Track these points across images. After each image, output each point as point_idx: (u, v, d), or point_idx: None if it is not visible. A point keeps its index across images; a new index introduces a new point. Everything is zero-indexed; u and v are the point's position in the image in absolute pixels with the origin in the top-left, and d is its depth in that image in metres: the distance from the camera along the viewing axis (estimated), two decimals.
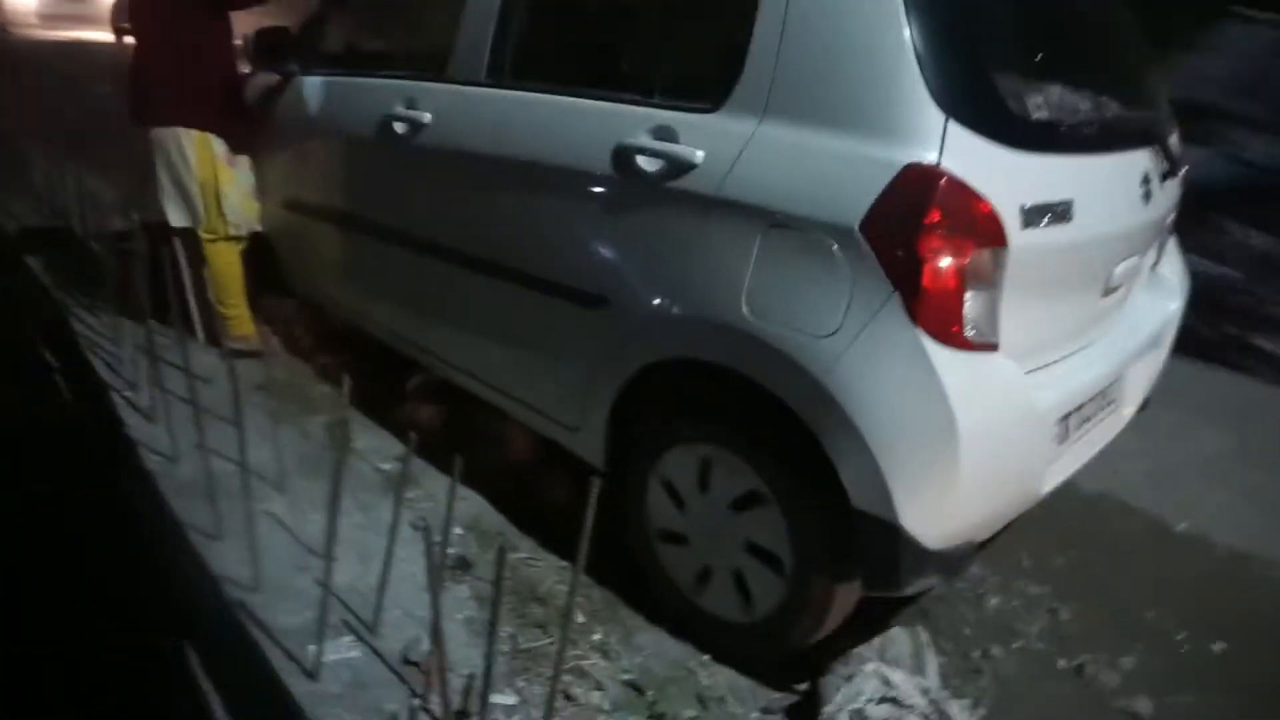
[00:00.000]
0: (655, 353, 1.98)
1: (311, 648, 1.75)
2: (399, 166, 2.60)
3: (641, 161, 1.91)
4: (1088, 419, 2.10)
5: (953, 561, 1.78)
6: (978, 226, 1.60)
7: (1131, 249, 2.08)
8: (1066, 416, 1.95)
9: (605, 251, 2.04)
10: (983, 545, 1.87)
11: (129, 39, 3.10)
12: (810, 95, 1.72)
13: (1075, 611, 2.35)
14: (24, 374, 3.27)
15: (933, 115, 1.59)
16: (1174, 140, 2.23)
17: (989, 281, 1.66)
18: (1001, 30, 1.87)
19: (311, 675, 1.73)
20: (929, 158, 1.58)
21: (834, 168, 1.66)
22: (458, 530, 2.41)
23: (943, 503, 1.67)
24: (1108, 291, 2.06)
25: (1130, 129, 2.04)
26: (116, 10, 4.01)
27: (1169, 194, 2.19)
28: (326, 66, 2.98)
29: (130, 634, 1.88)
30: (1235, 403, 3.70)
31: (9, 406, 2.97)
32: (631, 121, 1.95)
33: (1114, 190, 1.93)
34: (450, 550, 2.30)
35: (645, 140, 1.91)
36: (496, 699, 1.78)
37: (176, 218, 3.08)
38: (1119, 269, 2.03)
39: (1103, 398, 2.17)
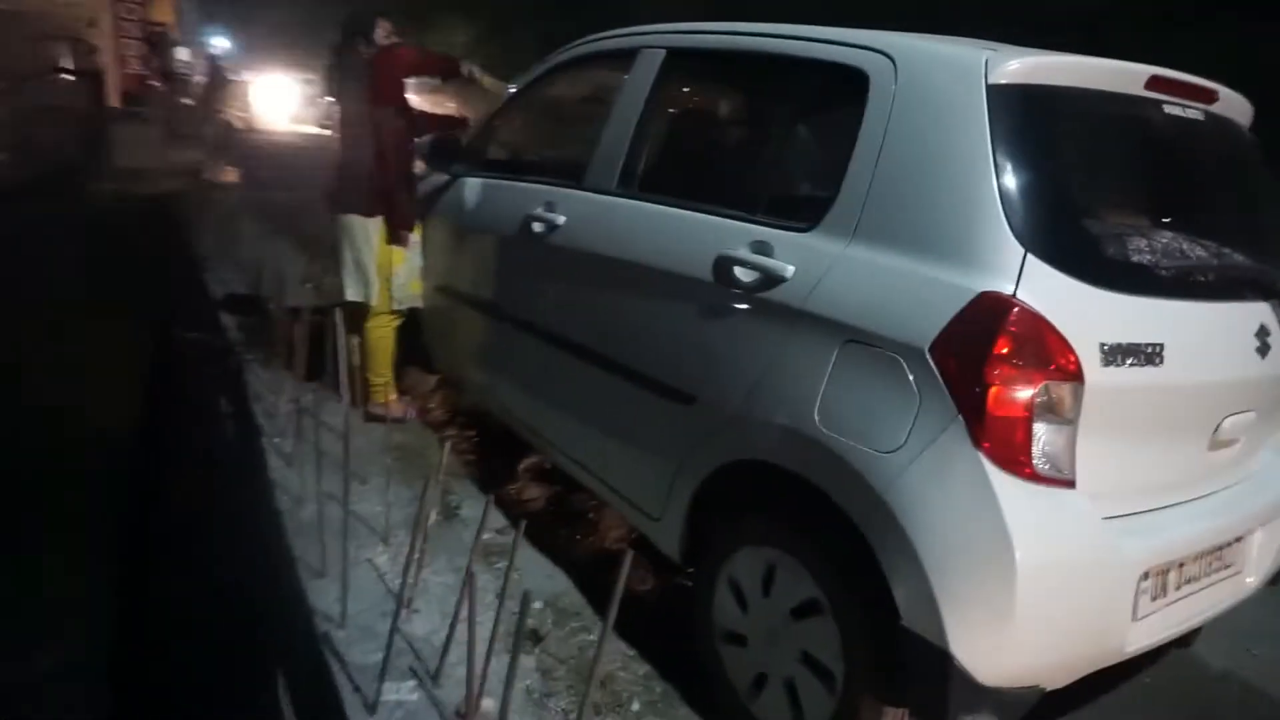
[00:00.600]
0: (732, 453, 2.06)
1: (375, 685, 1.89)
2: (531, 261, 2.87)
3: (738, 272, 2.04)
4: (1192, 579, 1.97)
5: (1012, 704, 1.70)
6: (1050, 359, 1.62)
7: (1247, 403, 1.98)
8: (1162, 572, 1.85)
9: (697, 352, 2.16)
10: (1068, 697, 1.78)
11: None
12: (897, 221, 1.82)
13: None
14: (203, 415, 3.73)
15: (1012, 248, 1.65)
16: None
17: (1064, 416, 1.65)
18: (1100, 173, 1.90)
19: (371, 710, 1.86)
20: (1003, 287, 1.62)
21: (912, 290, 1.73)
22: (537, 604, 2.52)
23: (998, 636, 1.62)
24: (1217, 445, 1.97)
25: (1245, 279, 1.98)
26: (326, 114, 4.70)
27: None
28: (485, 170, 3.34)
29: (233, 645, 2.10)
30: None
31: (185, 441, 3.40)
32: (734, 235, 2.10)
33: (1219, 340, 1.88)
34: (526, 623, 2.40)
35: (744, 252, 2.05)
36: None
37: (353, 293, 3.49)
38: (1229, 422, 1.94)
39: (1215, 559, 2.03)
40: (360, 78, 3.36)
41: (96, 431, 3.43)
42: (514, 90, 3.37)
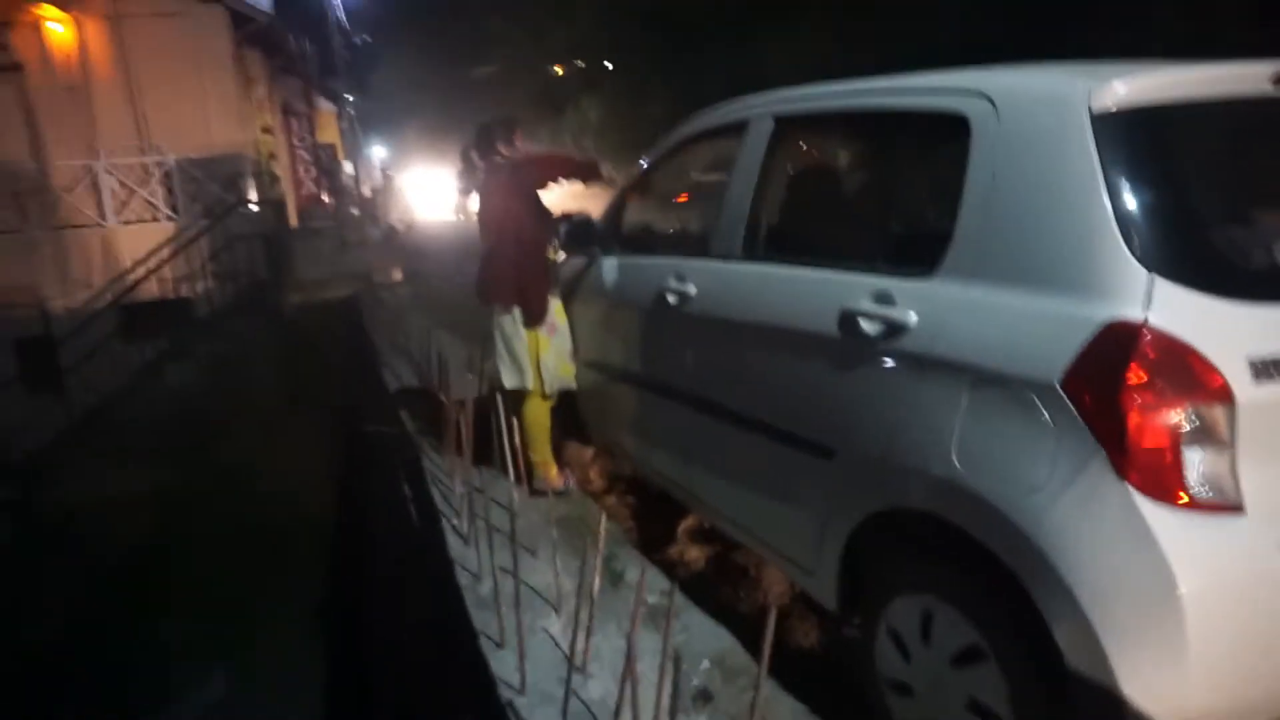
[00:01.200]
0: (877, 502, 2.08)
1: None
2: (667, 330, 3.01)
3: (863, 324, 2.10)
4: None
5: None
6: (1192, 381, 1.57)
7: None
8: None
9: (832, 406, 2.21)
10: None
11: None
12: (1014, 259, 1.82)
13: None
14: (387, 499, 4.08)
15: (1135, 272, 1.63)
16: None
17: (1218, 438, 1.59)
18: (1227, 182, 1.83)
19: None
20: (1132, 314, 1.60)
21: (1037, 326, 1.73)
22: (705, 664, 2.59)
23: (1172, 674, 1.56)
24: None
25: None
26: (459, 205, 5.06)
27: None
28: (620, 248, 3.54)
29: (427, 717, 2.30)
30: None
31: (375, 526, 3.73)
32: (856, 288, 2.16)
33: None
34: (694, 683, 2.49)
35: (867, 305, 2.10)
36: None
37: (510, 380, 3.74)
38: None
39: None
40: (498, 185, 3.66)
41: (300, 520, 3.82)
42: (643, 165, 3.57)
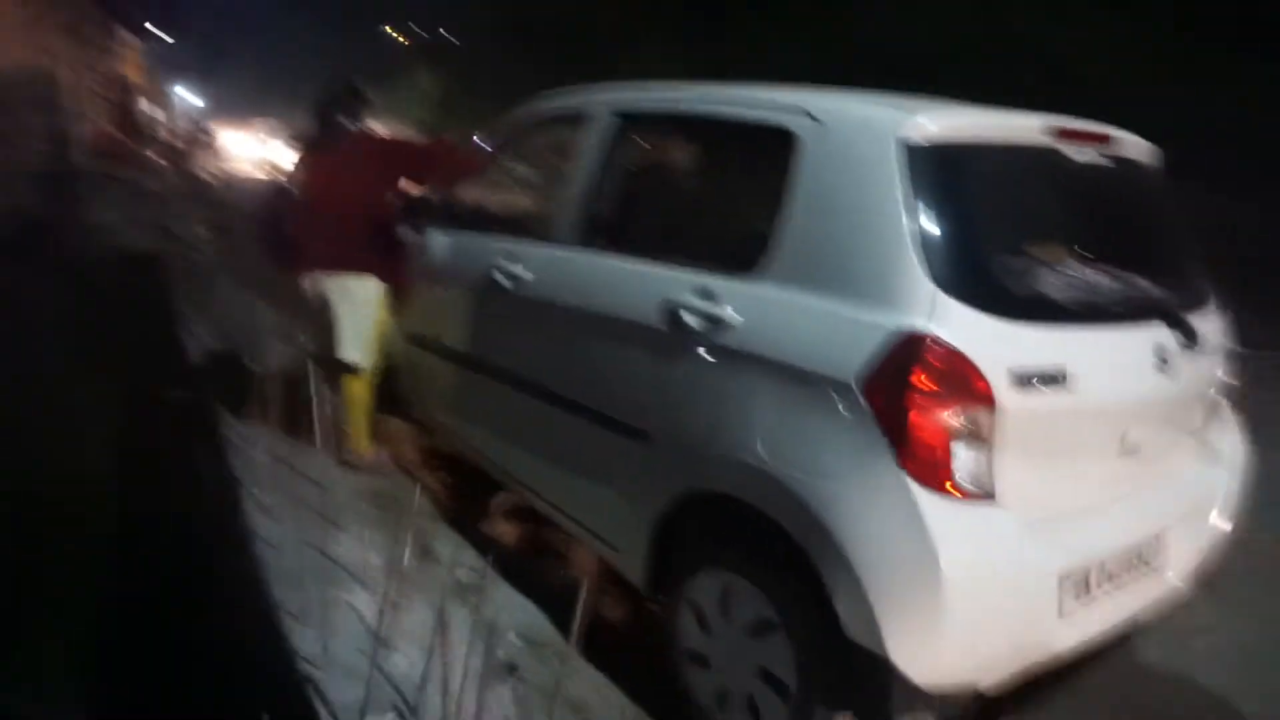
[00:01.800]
0: (686, 485, 2.21)
1: None
2: (496, 311, 3.03)
3: (685, 316, 2.21)
4: (1114, 578, 2.13)
5: (948, 702, 1.85)
6: (964, 386, 1.79)
7: (1151, 415, 2.17)
8: (1083, 572, 2.01)
9: (650, 392, 2.32)
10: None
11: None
12: (824, 266, 2.00)
13: None
14: (182, 470, 3.82)
15: (927, 289, 1.83)
16: (1205, 316, 2.35)
17: (981, 437, 1.82)
18: (1009, 215, 2.10)
19: None
20: (919, 324, 1.80)
21: (839, 330, 1.90)
22: (512, 637, 2.63)
23: (930, 641, 1.78)
24: (1126, 454, 2.14)
25: (1143, 304, 2.18)
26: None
27: (1198, 366, 2.27)
28: (451, 225, 3.50)
29: (221, 691, 2.19)
30: None
31: (166, 498, 3.48)
32: (681, 283, 2.27)
33: (1119, 360, 2.06)
34: (500, 655, 2.52)
35: (690, 298, 2.22)
36: None
37: (349, 353, 3.56)
38: (1136, 434, 2.12)
39: (1136, 560, 2.19)
40: (359, 155, 3.53)
41: (74, 494, 3.50)
42: (477, 144, 3.54)
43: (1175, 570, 2.33)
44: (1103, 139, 2.24)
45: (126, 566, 2.81)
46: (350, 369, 3.61)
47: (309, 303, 3.65)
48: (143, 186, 13.56)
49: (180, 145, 16.07)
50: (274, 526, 2.99)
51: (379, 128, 3.73)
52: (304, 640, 2.39)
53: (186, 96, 32.32)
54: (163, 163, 15.60)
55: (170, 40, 28.18)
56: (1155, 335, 2.14)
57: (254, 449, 3.59)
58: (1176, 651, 2.80)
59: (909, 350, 1.79)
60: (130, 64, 20.86)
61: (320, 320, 3.64)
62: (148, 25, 21.78)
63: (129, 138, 16.97)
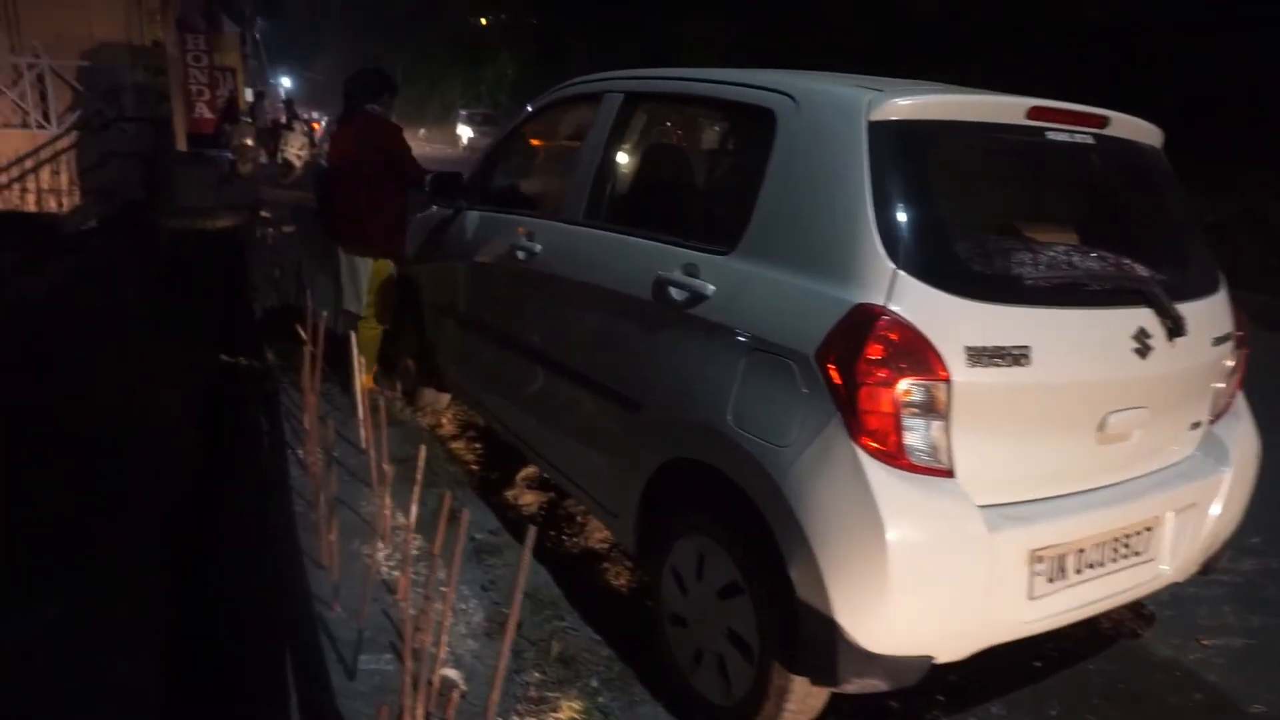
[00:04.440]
0: (669, 452, 2.31)
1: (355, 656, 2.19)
2: (514, 285, 3.18)
3: (671, 291, 2.31)
4: (1094, 563, 2.14)
5: (899, 670, 1.90)
6: (916, 361, 1.84)
7: (1133, 400, 2.14)
8: (1056, 555, 2.03)
9: (642, 363, 2.43)
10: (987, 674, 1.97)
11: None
12: (795, 242, 2.06)
13: None
14: (241, 429, 4.13)
15: (885, 266, 1.88)
16: (1207, 303, 2.31)
17: (935, 411, 1.87)
18: (980, 196, 2.12)
19: (350, 676, 2.16)
20: (875, 300, 1.86)
21: (802, 304, 1.97)
22: (517, 595, 2.78)
23: (876, 608, 1.83)
24: (1108, 439, 2.14)
25: (1122, 287, 2.16)
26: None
27: (1187, 352, 2.24)
28: (484, 203, 3.67)
29: (250, 625, 2.43)
30: None
31: (227, 454, 3.79)
32: (670, 258, 2.36)
33: (1091, 342, 2.06)
34: (504, 610, 2.68)
35: (676, 274, 2.31)
36: None
37: (352, 306, 4.13)
38: (1116, 418, 2.11)
39: (1119, 546, 2.19)
40: (370, 139, 3.90)
41: (148, 446, 3.85)
42: (510, 127, 3.71)
43: (1170, 561, 2.31)
44: (1096, 120, 2.23)
45: (189, 509, 3.12)
46: (366, 320, 4.10)
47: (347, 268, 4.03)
48: (234, 168, 14.29)
49: (273, 130, 16.79)
50: (309, 483, 3.22)
51: (388, 115, 4.14)
52: (321, 585, 2.59)
53: (283, 83, 33.65)
54: (256, 146, 16.34)
55: (271, 29, 29.39)
56: (1136, 319, 2.12)
57: (304, 413, 3.85)
58: (1179, 645, 2.77)
59: (861, 323, 1.84)
60: (231, 51, 21.83)
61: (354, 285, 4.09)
62: (251, 14, 22.81)
63: (226, 123, 17.80)
